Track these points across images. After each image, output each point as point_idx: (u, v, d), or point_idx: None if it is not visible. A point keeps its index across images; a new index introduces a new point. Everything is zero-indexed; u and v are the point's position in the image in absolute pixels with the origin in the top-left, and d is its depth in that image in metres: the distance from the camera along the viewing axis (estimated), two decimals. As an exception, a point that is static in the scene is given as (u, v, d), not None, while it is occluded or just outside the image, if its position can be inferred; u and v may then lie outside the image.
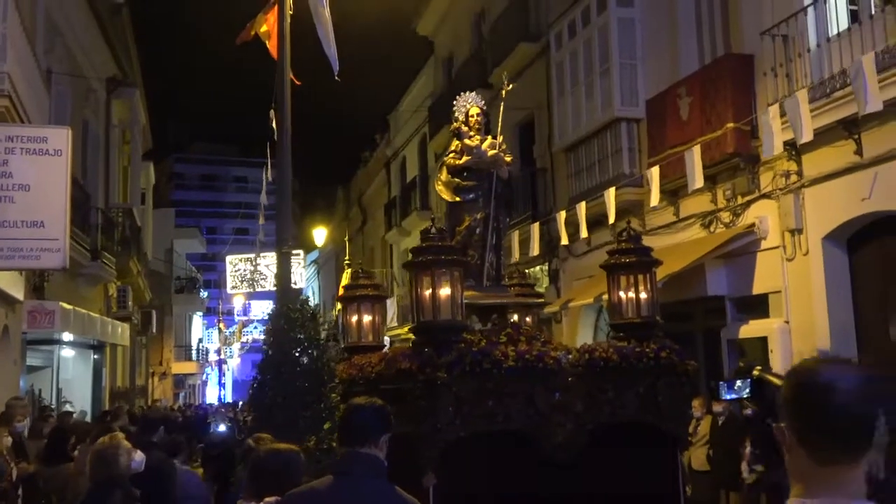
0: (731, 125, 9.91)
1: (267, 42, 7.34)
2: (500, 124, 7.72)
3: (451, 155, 7.51)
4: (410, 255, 6.50)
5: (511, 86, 8.13)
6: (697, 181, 9.69)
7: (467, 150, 7.36)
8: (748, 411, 8.19)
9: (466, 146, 7.38)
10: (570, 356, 6.39)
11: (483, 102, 7.86)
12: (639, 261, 6.95)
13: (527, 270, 12.79)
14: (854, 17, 9.13)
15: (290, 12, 7.16)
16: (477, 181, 7.31)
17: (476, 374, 5.92)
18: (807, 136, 8.21)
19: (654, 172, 10.39)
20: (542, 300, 9.26)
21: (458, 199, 7.38)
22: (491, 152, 7.36)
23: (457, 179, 7.36)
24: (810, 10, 9.23)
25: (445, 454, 5.74)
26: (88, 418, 15.01)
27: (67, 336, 15.04)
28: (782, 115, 8.59)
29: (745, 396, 2.98)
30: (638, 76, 12.57)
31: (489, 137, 7.58)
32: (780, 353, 9.63)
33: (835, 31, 9.12)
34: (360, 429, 3.05)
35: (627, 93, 12.56)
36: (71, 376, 16.99)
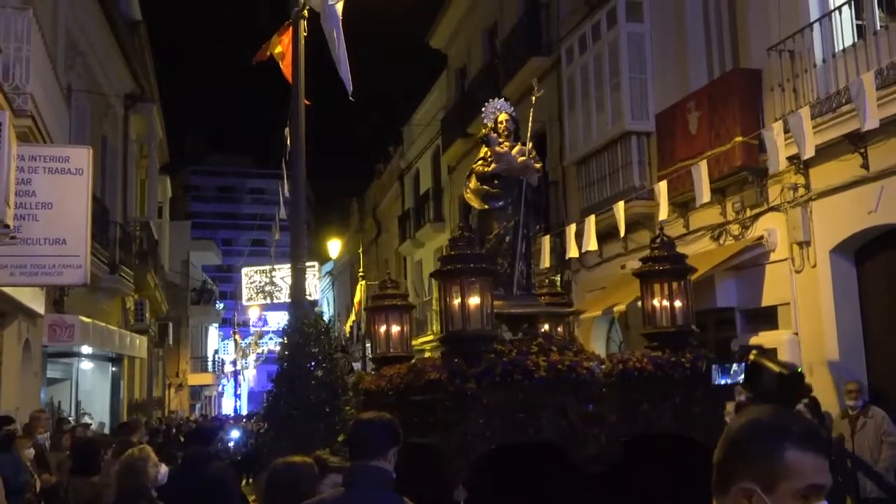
0: (739, 139, 10.03)
1: (280, 63, 7.53)
2: (529, 131, 7.64)
3: (480, 162, 7.38)
4: (439, 263, 6.44)
5: (541, 92, 8.03)
6: (705, 195, 9.81)
7: (496, 157, 7.23)
8: (742, 397, 8.31)
9: (496, 153, 7.25)
10: (604, 366, 6.30)
11: (512, 109, 7.74)
12: (673, 268, 6.79)
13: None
14: (861, 32, 9.25)
15: (304, 34, 7.34)
16: (506, 188, 7.20)
17: (506, 385, 5.84)
18: (809, 152, 8.34)
19: (662, 187, 10.51)
20: (574, 309, 9.10)
21: (486, 206, 7.26)
22: (521, 159, 7.24)
23: (486, 187, 7.23)
24: (816, 26, 9.36)
25: (476, 467, 5.67)
26: (107, 430, 15.28)
27: (86, 349, 15.31)
28: (786, 130, 8.71)
29: (739, 382, 3.02)
30: (648, 90, 12.71)
31: (518, 144, 7.46)
32: (789, 365, 9.72)
33: (841, 47, 9.25)
34: (368, 442, 3.19)
35: (638, 107, 12.69)
36: (90, 388, 17.27)
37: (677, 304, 6.68)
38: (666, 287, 6.73)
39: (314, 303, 49.55)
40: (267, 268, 30.53)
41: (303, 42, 7.32)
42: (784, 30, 9.82)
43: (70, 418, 14.73)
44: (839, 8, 9.09)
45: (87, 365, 17.00)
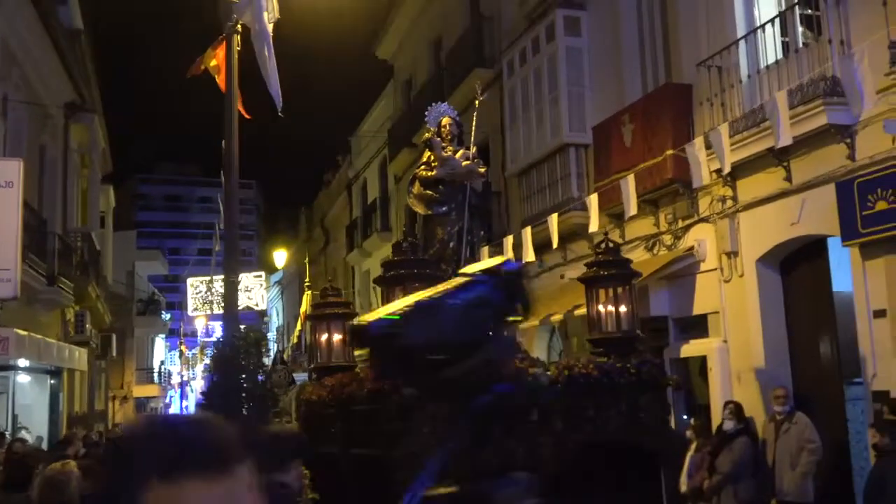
0: (670, 152, 10.30)
1: (216, 76, 7.56)
2: (473, 135, 7.51)
3: (423, 167, 7.25)
4: (381, 269, 6.34)
5: (484, 96, 7.99)
6: (633, 208, 10.06)
7: (440, 162, 7.12)
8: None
9: (440, 157, 7.13)
10: (549, 373, 6.26)
11: (456, 113, 7.62)
12: (618, 273, 6.78)
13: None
14: (786, 48, 9.58)
15: (238, 48, 7.39)
16: (450, 193, 7.13)
17: None
18: (727, 168, 8.63)
19: (594, 199, 10.75)
20: (520, 315, 9.15)
21: (430, 211, 7.13)
22: (465, 163, 7.15)
23: (429, 192, 7.12)
24: (742, 43, 9.67)
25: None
26: (45, 444, 14.99)
27: (23, 362, 15.03)
28: (708, 146, 9.00)
29: None
30: (586, 103, 12.97)
31: (462, 149, 7.34)
32: (718, 372, 10.01)
33: (766, 63, 9.56)
34: (274, 455, 3.26)
35: (576, 119, 12.94)
36: (27, 402, 16.91)
37: (622, 309, 6.70)
38: (611, 292, 6.74)
39: (263, 313, 49.26)
40: (213, 278, 30.23)
41: (236, 56, 7.36)
42: (713, 46, 10.13)
43: (6, 433, 14.45)
44: (762, 26, 9.42)
45: (24, 378, 16.65)
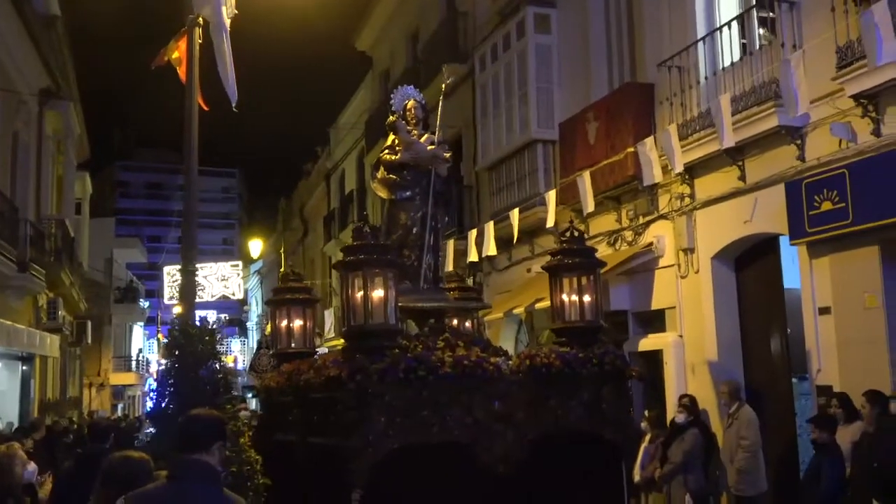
0: (631, 149, 10.48)
1: (178, 68, 7.67)
2: (439, 119, 7.30)
3: (387, 151, 7.07)
4: (342, 254, 6.08)
5: (451, 79, 7.75)
6: (590, 205, 10.26)
7: (405, 146, 6.93)
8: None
9: (404, 141, 6.95)
10: (511, 362, 6.13)
11: (421, 96, 7.41)
12: (582, 261, 6.61)
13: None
14: (745, 49, 9.76)
15: (200, 41, 7.50)
16: (414, 178, 6.94)
17: (410, 382, 5.57)
18: (678, 167, 8.83)
19: (551, 195, 10.96)
20: (481, 304, 8.58)
21: (393, 197, 6.96)
22: (430, 147, 6.98)
23: (393, 176, 6.95)
24: (701, 45, 9.86)
25: (376, 469, 5.42)
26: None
27: (-6, 348, 15.10)
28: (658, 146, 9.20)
29: None
30: (554, 100, 13.14)
31: (427, 133, 7.16)
32: (674, 366, 10.24)
33: (726, 64, 9.74)
34: (193, 437, 3.41)
35: (544, 116, 13.11)
36: (-1, 388, 16.99)
37: (586, 298, 6.51)
38: (575, 281, 6.56)
39: (244, 301, 49.23)
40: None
41: (198, 48, 7.47)
42: (674, 46, 10.32)
43: (-25, 418, 14.55)
44: (720, 28, 9.61)
45: (-6, 364, 16.73)
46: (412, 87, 7.60)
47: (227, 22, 7.20)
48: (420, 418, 5.65)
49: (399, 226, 6.98)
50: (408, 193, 6.99)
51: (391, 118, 7.28)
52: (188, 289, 7.19)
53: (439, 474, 5.66)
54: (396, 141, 7.06)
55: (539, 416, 6.04)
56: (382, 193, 7.16)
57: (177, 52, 7.67)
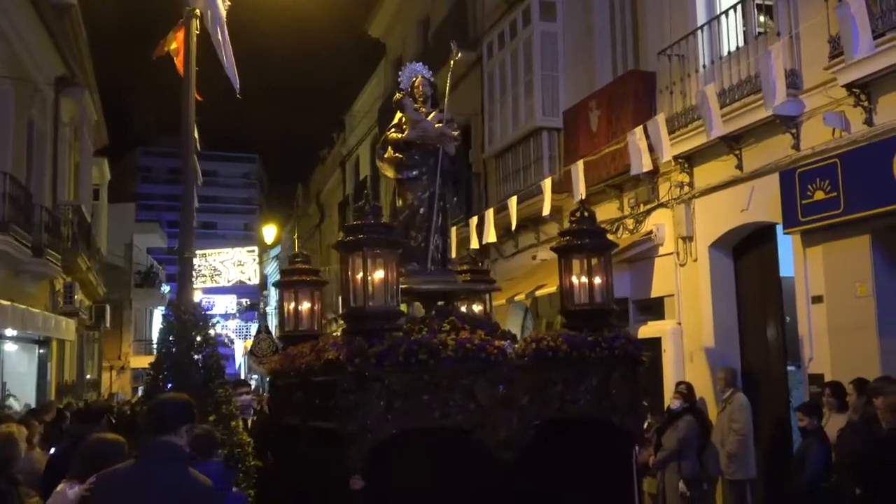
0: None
1: (175, 59, 7.82)
2: (447, 96, 7.09)
3: (394, 129, 6.90)
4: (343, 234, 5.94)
5: (459, 54, 7.54)
6: (581, 193, 10.32)
7: (412, 124, 6.74)
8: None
9: (411, 119, 6.76)
10: (516, 346, 5.98)
11: (430, 73, 7.22)
12: (593, 243, 6.40)
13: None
14: (746, 37, 9.74)
15: (197, 32, 7.64)
16: (422, 157, 6.75)
17: (411, 366, 5.45)
18: (666, 157, 8.86)
19: (547, 184, 11.03)
20: (491, 286, 8.31)
21: (400, 176, 6.79)
22: (437, 125, 6.80)
23: (399, 155, 6.77)
24: (700, 33, 9.87)
25: (375, 453, 5.36)
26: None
27: (10, 331, 15.42)
28: (647, 136, 9.24)
29: None
30: (559, 88, 13.17)
31: (435, 111, 6.95)
32: (672, 353, 10.31)
33: (727, 51, 9.74)
34: (161, 419, 3.58)
35: (549, 103, 13.15)
36: (15, 370, 17.34)
37: (596, 280, 6.30)
38: (585, 263, 6.36)
39: (263, 286, 49.60)
40: (208, 251, 30.61)
41: (195, 40, 7.62)
42: (675, 34, 10.33)
43: (-7, 399, 14.89)
44: (718, 17, 9.61)
45: (11, 347, 17.07)
46: (420, 63, 7.38)
47: (224, 13, 7.33)
48: (421, 402, 5.53)
49: (405, 205, 6.81)
50: (415, 173, 6.80)
51: (398, 95, 7.09)
52: (184, 275, 7.35)
53: (441, 460, 5.56)
54: (403, 119, 6.87)
55: (545, 401, 5.87)
56: (389, 173, 6.99)
57: (175, 42, 7.80)
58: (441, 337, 5.70)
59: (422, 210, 6.76)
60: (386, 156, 6.92)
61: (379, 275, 5.69)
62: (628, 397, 6.11)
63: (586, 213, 6.60)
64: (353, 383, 5.41)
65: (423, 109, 6.91)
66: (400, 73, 7.36)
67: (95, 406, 8.00)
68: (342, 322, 6.56)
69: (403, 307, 6.42)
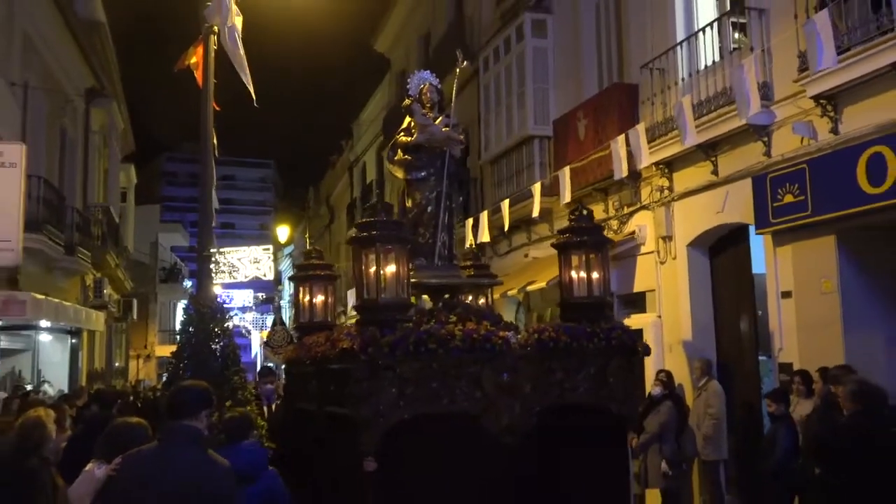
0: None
1: (195, 72, 7.80)
2: (453, 102, 7.01)
3: (403, 133, 6.87)
4: (356, 230, 5.89)
5: (465, 63, 7.53)
6: (567, 197, 10.30)
7: (420, 128, 6.72)
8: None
9: (420, 124, 6.74)
10: (519, 336, 5.90)
11: (437, 80, 7.19)
12: (591, 239, 6.38)
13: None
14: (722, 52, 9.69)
15: (215, 47, 7.61)
16: (429, 159, 6.72)
17: (421, 355, 5.40)
18: (644, 163, 8.85)
19: (536, 188, 11.01)
20: (495, 280, 8.24)
21: (409, 176, 6.77)
22: (444, 129, 6.78)
23: (408, 157, 6.73)
24: (679, 48, 9.84)
25: (387, 437, 5.31)
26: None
27: (44, 323, 15.40)
28: (628, 143, 9.22)
29: None
30: (550, 99, 13.14)
31: (441, 116, 6.92)
32: (653, 344, 10.15)
33: (704, 65, 9.70)
34: (182, 404, 3.56)
35: (540, 113, 13.12)
36: (50, 359, 17.34)
37: (594, 275, 6.27)
38: (584, 258, 6.32)
39: (277, 280, 49.59)
40: (226, 250, 30.57)
41: (212, 55, 7.59)
42: (656, 50, 10.30)
43: (29, 385, 14.87)
44: (695, 34, 9.57)
45: (45, 337, 17.07)
46: (428, 71, 7.31)
47: (239, 27, 7.29)
48: (430, 389, 5.46)
49: (414, 205, 6.78)
50: (423, 174, 6.76)
51: (407, 101, 7.04)
52: (203, 272, 7.33)
53: (448, 444, 5.51)
54: (412, 123, 6.84)
55: (546, 389, 5.82)
56: (398, 174, 6.93)
57: (194, 57, 7.77)
58: (449, 328, 5.65)
59: (429, 209, 6.74)
60: (396, 158, 6.87)
61: (390, 269, 5.66)
62: (624, 385, 6.05)
63: (585, 212, 6.56)
64: (366, 371, 5.36)
65: (431, 114, 6.88)
66: (409, 80, 7.31)
67: (108, 393, 7.95)
68: (351, 315, 6.42)
69: (412, 300, 6.33)
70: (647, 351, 6.46)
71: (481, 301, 7.73)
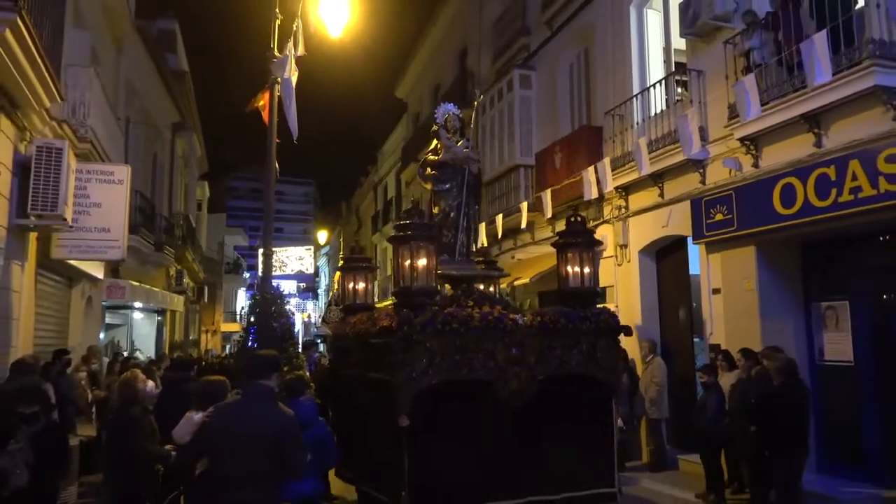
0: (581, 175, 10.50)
1: (262, 113, 7.84)
2: (472, 128, 7.03)
3: (430, 153, 6.80)
4: (394, 230, 5.75)
5: (481, 97, 7.37)
6: (548, 213, 10.33)
7: (445, 149, 6.67)
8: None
9: (444, 145, 6.69)
10: (526, 318, 5.80)
11: (459, 111, 7.12)
12: (584, 240, 6.34)
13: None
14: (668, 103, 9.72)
15: (278, 94, 7.66)
16: (452, 174, 6.66)
17: (446, 332, 5.33)
18: (608, 188, 8.88)
19: (524, 206, 11.03)
20: (503, 273, 8.10)
21: (435, 188, 6.70)
22: (464, 150, 6.74)
23: (435, 172, 6.68)
24: (638, 97, 9.89)
25: (418, 399, 5.23)
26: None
27: (138, 304, 15.46)
28: (596, 172, 9.25)
29: None
30: (533, 136, 13.18)
31: (462, 139, 6.89)
32: (611, 327, 10.29)
33: (654, 112, 9.75)
34: (258, 367, 3.60)
35: (525, 147, 13.14)
36: (141, 332, 17.39)
37: (586, 270, 6.23)
38: (578, 255, 6.26)
39: (316, 274, 49.46)
40: (277, 249, 30.48)
41: (276, 101, 7.63)
42: (617, 99, 10.35)
43: (125, 353, 14.91)
44: (648, 88, 9.62)
45: (138, 315, 17.12)
46: (451, 104, 7.26)
47: (294, 81, 7.35)
48: (453, 360, 5.38)
49: (440, 212, 6.72)
50: (447, 186, 6.69)
51: (434, 126, 7.01)
52: (266, 267, 7.37)
53: (467, 404, 5.46)
54: (438, 145, 6.83)
55: (547, 361, 5.75)
56: (427, 186, 6.87)
57: (262, 101, 7.81)
58: (469, 310, 5.59)
59: (451, 215, 6.69)
60: (426, 173, 6.79)
61: (422, 262, 5.58)
62: (610, 359, 6.01)
63: (579, 219, 6.52)
64: (402, 345, 5.29)
65: (454, 138, 6.85)
66: (436, 110, 7.23)
67: (183, 360, 7.92)
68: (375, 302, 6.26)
69: (438, 287, 6.20)
70: (629, 332, 6.38)
71: (491, 289, 7.65)
